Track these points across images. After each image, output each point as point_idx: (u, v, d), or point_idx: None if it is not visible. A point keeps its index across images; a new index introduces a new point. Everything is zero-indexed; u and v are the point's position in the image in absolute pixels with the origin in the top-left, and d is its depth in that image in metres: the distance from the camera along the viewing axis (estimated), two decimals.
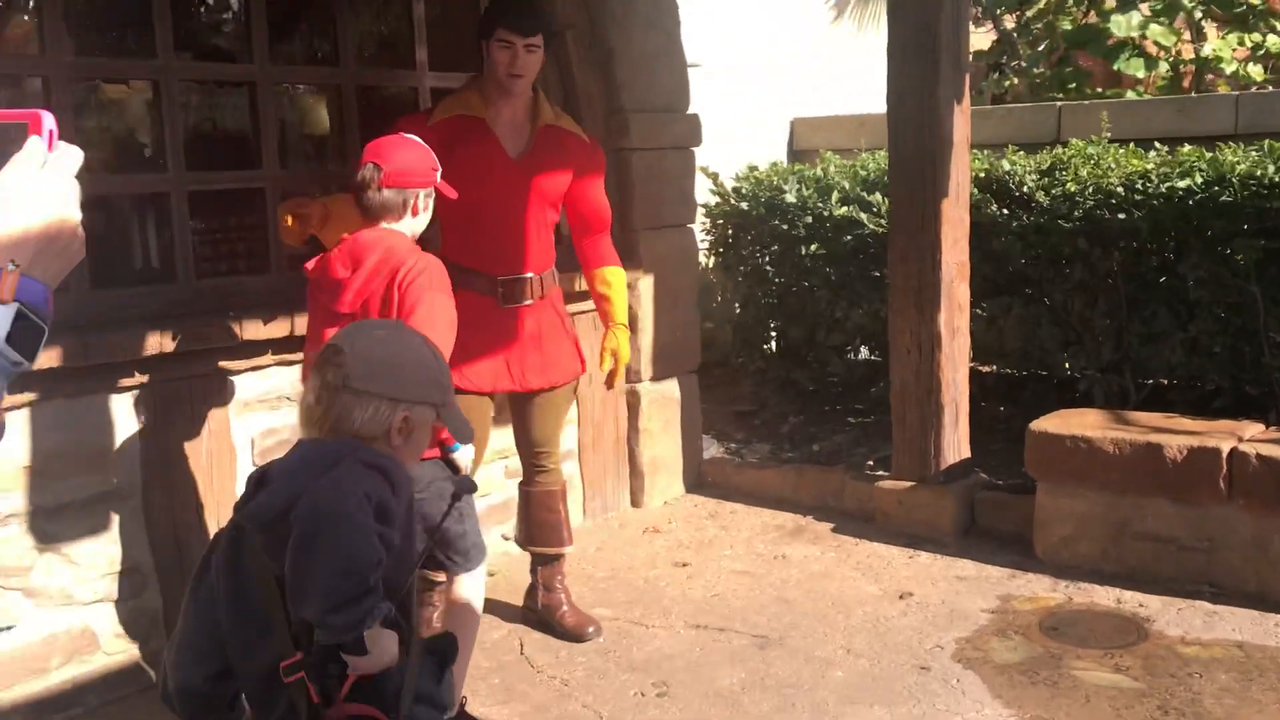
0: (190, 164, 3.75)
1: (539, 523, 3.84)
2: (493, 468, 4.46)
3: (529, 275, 3.58)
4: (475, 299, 3.47)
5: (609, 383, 3.77)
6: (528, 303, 3.58)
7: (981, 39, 11.05)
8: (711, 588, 4.20)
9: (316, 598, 1.69)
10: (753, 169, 6.14)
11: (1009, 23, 10.54)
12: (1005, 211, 5.13)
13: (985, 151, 5.61)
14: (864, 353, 6.14)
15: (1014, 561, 4.26)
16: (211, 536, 1.95)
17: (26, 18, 3.77)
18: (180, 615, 1.90)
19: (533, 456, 3.79)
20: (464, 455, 2.99)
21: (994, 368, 5.64)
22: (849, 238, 5.53)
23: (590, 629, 3.82)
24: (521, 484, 3.89)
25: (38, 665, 3.29)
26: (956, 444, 4.59)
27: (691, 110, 5.17)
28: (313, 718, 1.75)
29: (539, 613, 3.91)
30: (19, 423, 3.22)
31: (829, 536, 4.66)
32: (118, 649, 3.47)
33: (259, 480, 1.86)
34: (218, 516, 3.64)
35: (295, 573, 1.71)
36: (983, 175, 5.25)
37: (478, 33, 3.52)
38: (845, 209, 5.51)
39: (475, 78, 3.60)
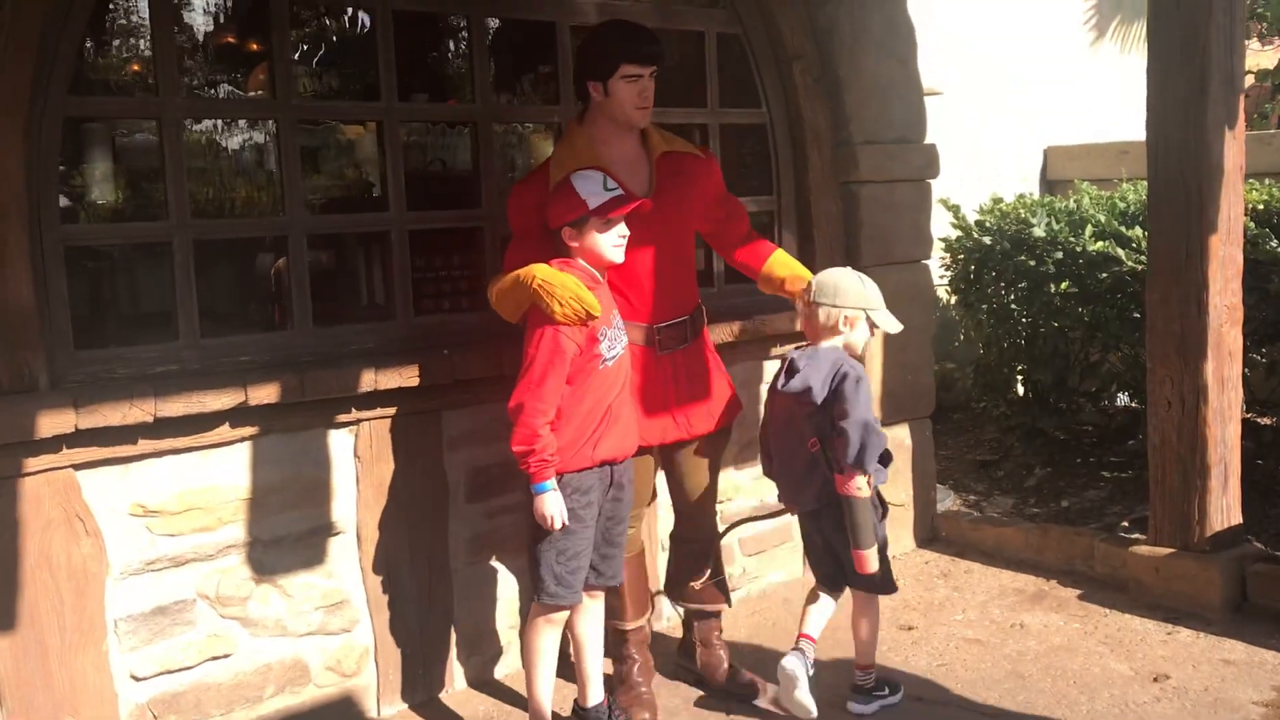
0: (418, 203, 3.80)
1: (700, 577, 3.68)
2: None
3: (683, 318, 3.45)
4: (636, 350, 3.36)
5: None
6: (685, 346, 3.46)
7: (1267, 57, 10.11)
8: (938, 656, 3.88)
9: (865, 427, 3.22)
10: (997, 201, 5.76)
11: None
12: None
13: (1267, 181, 5.04)
14: (1122, 400, 5.62)
15: None
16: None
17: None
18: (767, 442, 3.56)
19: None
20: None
21: (1274, 420, 5.03)
22: (1104, 275, 5.07)
23: (759, 686, 3.64)
24: (673, 535, 3.77)
25: (251, 694, 3.37)
26: (1225, 508, 4.07)
27: (929, 140, 4.88)
28: (830, 472, 3.31)
29: (697, 672, 3.74)
30: (240, 456, 3.31)
31: (1074, 604, 4.23)
32: (328, 682, 3.51)
33: (788, 369, 3.34)
34: (430, 552, 3.66)
35: (850, 404, 3.23)
36: (1261, 207, 4.70)
37: (583, 74, 3.31)
38: (1100, 244, 5.05)
39: (574, 124, 3.39)
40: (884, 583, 3.46)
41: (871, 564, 3.30)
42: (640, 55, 3.23)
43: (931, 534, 4.95)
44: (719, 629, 3.76)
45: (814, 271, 4.17)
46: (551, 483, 3.07)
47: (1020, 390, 5.91)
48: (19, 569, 2.98)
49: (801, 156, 4.53)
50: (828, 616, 3.52)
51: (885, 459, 3.34)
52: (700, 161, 3.51)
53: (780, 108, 4.51)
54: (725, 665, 3.69)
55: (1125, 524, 4.67)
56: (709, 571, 3.68)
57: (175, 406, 3.09)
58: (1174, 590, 4.09)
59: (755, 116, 4.50)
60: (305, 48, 4.92)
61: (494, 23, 4.53)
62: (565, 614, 3.27)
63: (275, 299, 3.52)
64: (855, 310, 3.35)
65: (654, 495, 3.74)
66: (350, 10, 4.82)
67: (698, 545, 3.68)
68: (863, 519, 3.27)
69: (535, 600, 3.24)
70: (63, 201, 3.62)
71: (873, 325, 3.42)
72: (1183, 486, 4.07)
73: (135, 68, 4.37)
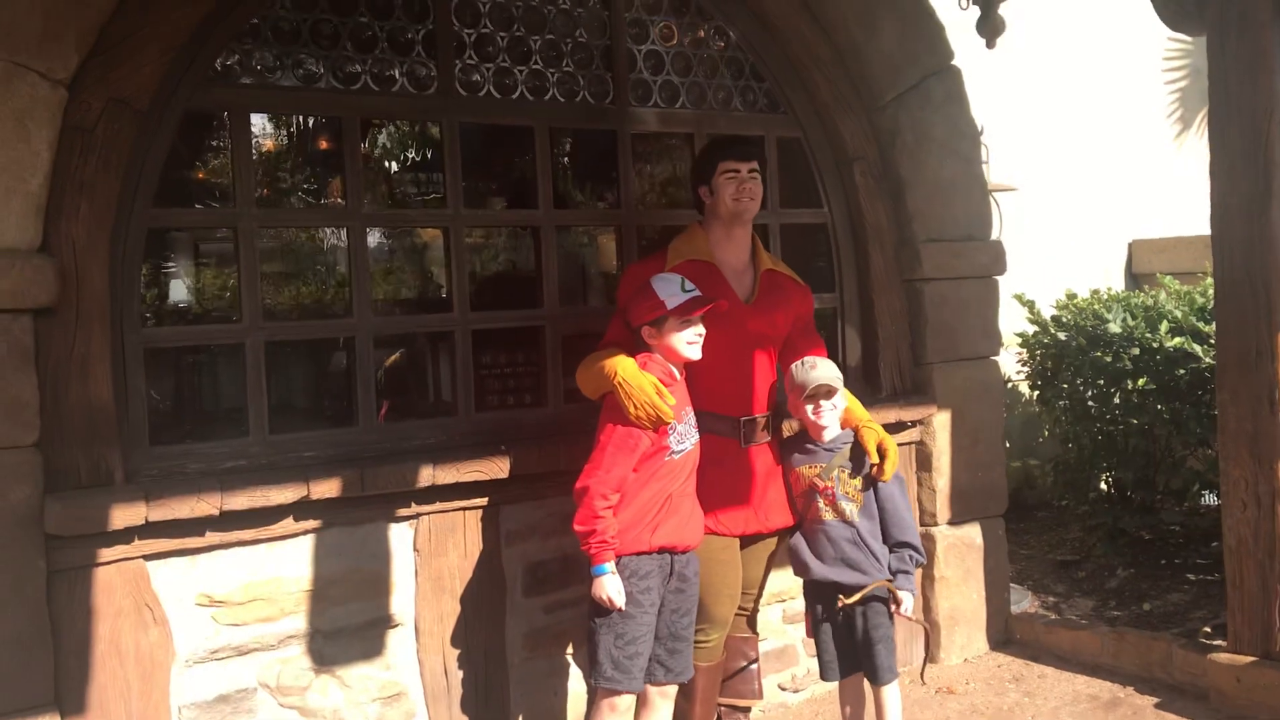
0: (487, 302, 3.94)
1: (730, 671, 3.67)
2: (770, 612, 4.29)
3: (765, 415, 3.58)
4: (720, 442, 3.48)
5: (880, 471, 3.50)
6: (764, 442, 3.57)
7: None
8: None
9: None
10: (1072, 296, 5.70)
11: None
12: None
13: None
14: (1207, 499, 5.45)
15: None
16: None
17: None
18: None
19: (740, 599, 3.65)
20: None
21: None
22: (1182, 371, 4.97)
23: None
24: None
25: None
26: None
27: (998, 236, 4.89)
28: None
29: None
30: (303, 548, 3.44)
31: (1150, 713, 4.08)
32: None
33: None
34: (486, 646, 3.71)
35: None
36: None
37: (695, 181, 3.64)
38: (1177, 340, 4.96)
39: (696, 226, 3.66)
40: None
41: None
42: (735, 153, 3.56)
43: (1005, 636, 4.84)
44: None
45: (879, 370, 4.36)
46: (610, 565, 3.16)
47: (1103, 488, 5.78)
48: (90, 655, 3.12)
49: (863, 255, 4.57)
50: None
51: None
52: (798, 287, 3.77)
53: (841, 207, 4.57)
54: None
55: (1208, 629, 4.50)
56: (745, 663, 3.71)
57: (240, 500, 3.23)
58: (1256, 701, 3.92)
59: (816, 216, 4.57)
60: (383, 156, 5.17)
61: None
62: (629, 702, 3.29)
63: (346, 396, 3.68)
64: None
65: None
66: (423, 122, 5.06)
67: (733, 637, 3.68)
68: None
69: (593, 683, 3.29)
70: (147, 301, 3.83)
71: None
72: (1261, 591, 3.93)
73: (216, 178, 4.66)
